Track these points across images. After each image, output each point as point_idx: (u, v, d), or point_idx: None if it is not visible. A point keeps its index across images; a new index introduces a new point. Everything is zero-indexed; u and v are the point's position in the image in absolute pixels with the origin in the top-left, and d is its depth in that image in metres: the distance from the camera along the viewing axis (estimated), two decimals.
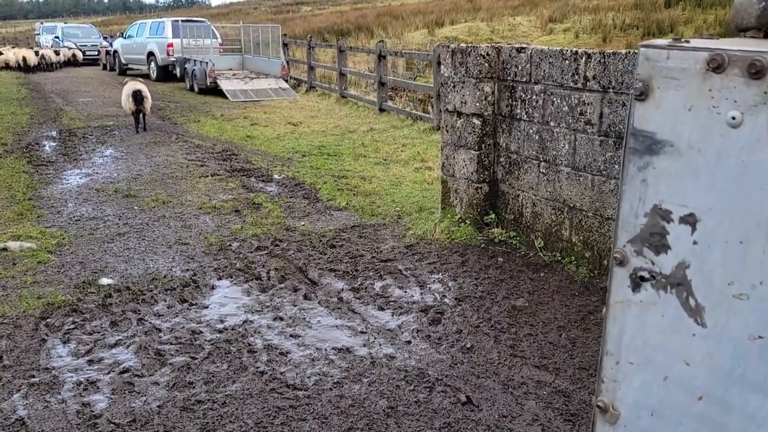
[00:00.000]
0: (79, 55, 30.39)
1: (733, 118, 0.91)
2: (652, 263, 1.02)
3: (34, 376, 3.66)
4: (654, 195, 1.00)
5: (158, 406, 3.38)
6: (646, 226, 1.01)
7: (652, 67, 0.98)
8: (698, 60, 0.94)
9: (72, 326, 4.28)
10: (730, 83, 0.91)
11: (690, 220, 0.97)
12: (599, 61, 4.73)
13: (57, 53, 28.81)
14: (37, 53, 27.55)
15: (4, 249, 5.66)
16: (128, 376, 3.67)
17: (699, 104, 0.93)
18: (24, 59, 26.18)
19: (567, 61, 4.99)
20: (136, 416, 3.30)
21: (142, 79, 12.31)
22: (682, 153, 0.95)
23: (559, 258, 5.23)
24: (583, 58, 4.86)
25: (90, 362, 3.83)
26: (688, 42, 0.98)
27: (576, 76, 4.92)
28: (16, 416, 3.29)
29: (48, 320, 4.36)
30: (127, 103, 11.49)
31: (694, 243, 0.97)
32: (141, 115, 11.64)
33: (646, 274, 1.03)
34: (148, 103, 11.60)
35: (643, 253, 1.02)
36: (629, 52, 4.63)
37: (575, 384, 3.57)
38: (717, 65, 0.91)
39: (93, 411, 3.34)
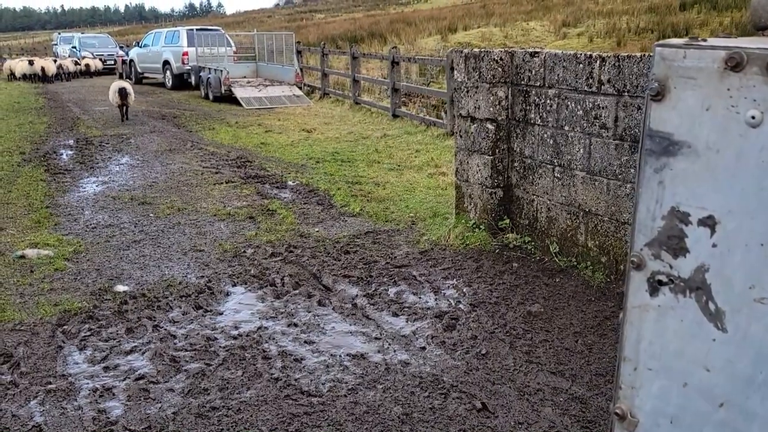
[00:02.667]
0: (98, 65, 30.72)
1: (753, 118, 0.89)
2: (670, 267, 1.00)
3: (50, 383, 3.69)
4: (671, 197, 0.97)
5: (173, 413, 3.39)
6: (664, 229, 0.99)
7: (668, 66, 0.96)
8: (715, 59, 0.92)
9: (88, 333, 4.31)
10: (749, 82, 0.89)
11: (709, 222, 0.94)
12: (614, 64, 4.69)
13: (76, 63, 29.18)
14: (54, 61, 27.95)
15: (22, 256, 5.72)
16: (144, 383, 3.68)
17: (717, 104, 0.91)
18: (42, 69, 26.57)
19: (581, 65, 4.96)
20: (151, 423, 3.30)
21: (127, 80, 15.40)
22: (700, 154, 0.93)
23: (575, 263, 5.18)
24: (597, 62, 4.82)
25: (106, 369, 3.85)
26: (705, 41, 0.96)
27: (590, 80, 4.89)
28: (33, 423, 3.31)
29: (64, 327, 4.39)
30: (114, 98, 14.26)
31: (714, 246, 0.95)
32: (125, 108, 14.42)
33: (664, 278, 1.01)
34: (131, 98, 14.37)
35: (661, 256, 1.00)
36: (644, 55, 4.59)
37: (592, 390, 3.52)
38: (735, 64, 0.89)
39: (109, 417, 3.36)
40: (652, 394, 1.05)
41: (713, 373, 0.97)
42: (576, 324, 4.30)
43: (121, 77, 28.41)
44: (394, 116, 13.44)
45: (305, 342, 4.15)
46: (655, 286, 1.02)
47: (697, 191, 0.94)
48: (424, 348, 4.05)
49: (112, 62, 31.94)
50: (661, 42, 0.99)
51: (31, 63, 26.78)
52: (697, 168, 0.94)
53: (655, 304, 1.03)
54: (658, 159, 0.98)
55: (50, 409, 3.44)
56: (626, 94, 4.62)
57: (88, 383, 3.69)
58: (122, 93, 14.04)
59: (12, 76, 27.65)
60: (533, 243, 5.63)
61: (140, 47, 25.56)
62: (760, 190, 0.89)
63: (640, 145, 1.01)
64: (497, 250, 5.66)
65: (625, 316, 1.07)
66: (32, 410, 3.43)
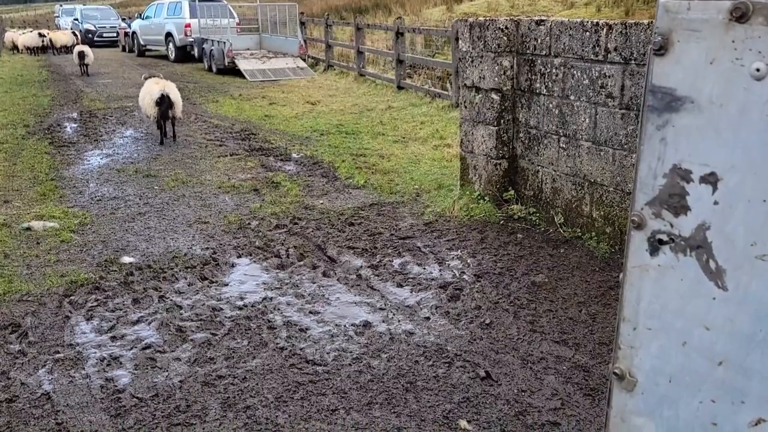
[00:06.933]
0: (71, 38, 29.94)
1: (758, 70, 0.86)
2: (671, 225, 0.99)
3: (58, 352, 3.73)
4: (673, 154, 0.96)
5: (180, 381, 3.43)
6: (665, 187, 0.97)
7: (672, 19, 0.94)
8: (720, 10, 0.89)
9: (95, 303, 4.34)
10: (755, 33, 0.86)
11: (711, 179, 0.93)
12: (620, 32, 4.63)
13: (41, 35, 28.74)
14: (75, 35, 27.80)
15: (28, 228, 5.75)
16: (150, 352, 3.72)
17: (721, 57, 0.89)
18: (51, 41, 26.49)
19: (588, 33, 4.89)
20: (158, 391, 3.35)
21: (87, 45, 20.33)
22: (703, 109, 0.91)
23: (580, 234, 5.18)
24: (604, 30, 4.75)
25: (113, 338, 3.89)
26: None
27: (597, 48, 4.82)
28: (42, 391, 3.36)
29: (71, 298, 4.43)
30: (76, 59, 18.39)
31: (715, 203, 0.93)
32: (86, 66, 18.35)
33: (664, 237, 1.00)
34: (89, 58, 18.41)
35: (662, 215, 0.99)
36: (651, 22, 4.51)
37: (595, 359, 3.54)
38: (741, 14, 0.87)
39: (116, 386, 3.40)
40: (651, 353, 1.05)
41: (713, 331, 0.97)
42: (580, 294, 4.31)
43: (124, 49, 28.28)
44: (399, 88, 13.34)
45: (310, 312, 4.17)
46: (655, 245, 1.01)
47: (700, 147, 0.93)
48: (428, 318, 4.07)
49: (114, 34, 31.70)
50: None
51: (41, 35, 26.67)
52: (699, 123, 0.92)
53: (656, 263, 1.02)
54: (660, 115, 0.96)
55: (58, 377, 3.48)
56: (633, 62, 4.56)
57: (95, 352, 3.73)
58: (81, 55, 18.24)
59: (15, 48, 27.51)
60: (538, 214, 5.62)
61: (142, 19, 25.33)
62: (763, 144, 0.87)
63: (642, 101, 0.99)
64: (502, 222, 5.65)
65: (625, 277, 1.07)
66: (41, 378, 3.47)
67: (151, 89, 9.15)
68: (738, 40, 0.88)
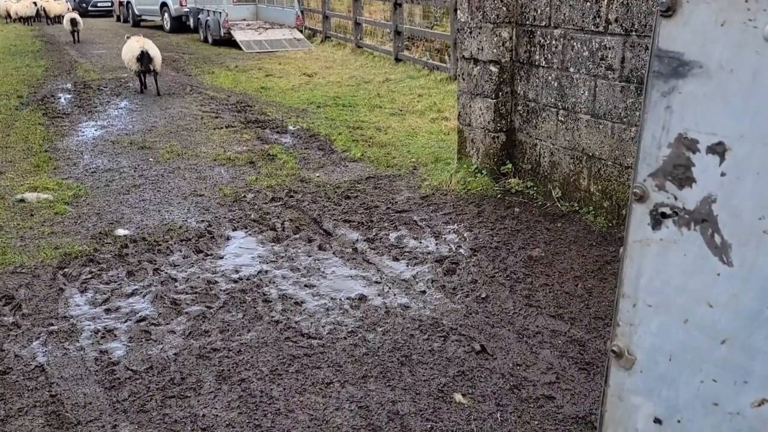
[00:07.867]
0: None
1: None
2: (675, 198, 0.95)
3: (52, 324, 3.71)
4: (679, 123, 0.91)
5: (175, 354, 3.41)
6: (670, 158, 0.93)
7: None
8: None
9: (89, 276, 4.31)
10: None
11: (718, 149, 0.88)
12: (622, 2, 4.53)
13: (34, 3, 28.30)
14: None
15: (22, 200, 5.69)
16: (145, 325, 3.70)
17: (733, 18, 0.84)
18: (44, 9, 26.07)
19: (588, 3, 4.80)
20: (153, 363, 3.33)
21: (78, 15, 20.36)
22: (712, 74, 0.86)
23: (577, 208, 5.14)
24: (605, 0, 4.66)
25: (107, 311, 3.87)
26: None
27: (597, 19, 4.73)
28: (35, 363, 3.35)
29: (65, 270, 4.39)
30: (67, 26, 18.90)
31: (722, 175, 0.89)
32: (77, 33, 18.79)
33: (667, 210, 0.96)
34: (80, 25, 19.07)
35: (666, 187, 0.95)
36: None
37: (591, 333, 3.53)
38: None
39: (111, 358, 3.38)
40: (651, 330, 1.02)
41: (716, 308, 0.93)
42: (576, 268, 4.29)
43: (118, 19, 27.84)
44: (397, 60, 13.18)
45: (305, 286, 4.15)
46: (658, 219, 0.97)
47: (708, 116, 0.88)
48: (424, 292, 4.05)
49: (109, 4, 31.19)
50: None
51: (34, 4, 26.24)
52: (708, 90, 0.87)
53: (658, 237, 0.98)
54: (666, 82, 0.91)
55: (52, 349, 3.46)
56: (634, 33, 4.47)
57: (89, 325, 3.71)
58: (72, 22, 18.83)
59: (8, 17, 27.08)
60: (535, 188, 5.58)
61: None
62: None
63: (648, 67, 0.94)
64: (499, 195, 5.61)
65: (626, 251, 1.03)
66: (35, 351, 3.46)
67: (132, 46, 10.30)
68: (751, 0, 0.82)
